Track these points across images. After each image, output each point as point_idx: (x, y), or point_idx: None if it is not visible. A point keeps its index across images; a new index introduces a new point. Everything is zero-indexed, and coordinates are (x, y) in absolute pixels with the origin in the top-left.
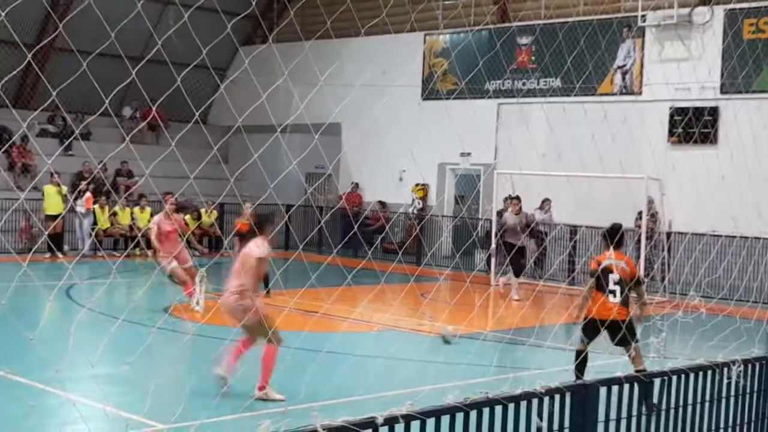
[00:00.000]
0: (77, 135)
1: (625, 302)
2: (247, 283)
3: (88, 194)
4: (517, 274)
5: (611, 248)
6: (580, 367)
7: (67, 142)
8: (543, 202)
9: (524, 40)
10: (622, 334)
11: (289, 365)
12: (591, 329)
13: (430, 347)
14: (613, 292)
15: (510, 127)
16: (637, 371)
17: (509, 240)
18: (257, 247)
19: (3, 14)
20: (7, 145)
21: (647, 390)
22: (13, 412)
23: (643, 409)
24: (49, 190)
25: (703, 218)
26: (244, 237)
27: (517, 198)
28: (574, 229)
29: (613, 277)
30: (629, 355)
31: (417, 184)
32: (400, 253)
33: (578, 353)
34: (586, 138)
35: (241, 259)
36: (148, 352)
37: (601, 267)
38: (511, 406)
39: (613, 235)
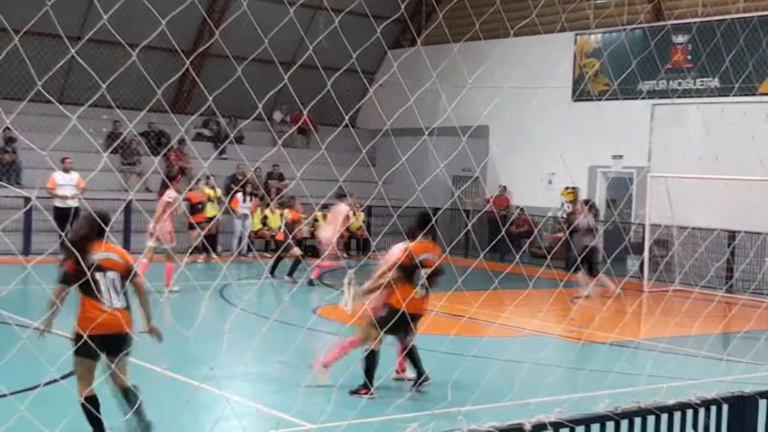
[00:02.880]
0: (231, 139)
1: (427, 293)
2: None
3: (237, 196)
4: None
5: (421, 238)
6: (371, 371)
7: (221, 146)
8: None
9: (679, 38)
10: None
11: (435, 369)
12: (398, 322)
13: (579, 354)
14: (423, 285)
15: (664, 128)
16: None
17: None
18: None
19: (164, 22)
20: (166, 150)
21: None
22: (169, 407)
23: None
24: (206, 192)
25: None
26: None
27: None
28: (732, 235)
29: (427, 271)
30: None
31: (566, 188)
32: (549, 257)
33: (372, 355)
34: (746, 140)
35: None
36: (299, 352)
37: (419, 260)
38: (664, 417)
39: (425, 225)
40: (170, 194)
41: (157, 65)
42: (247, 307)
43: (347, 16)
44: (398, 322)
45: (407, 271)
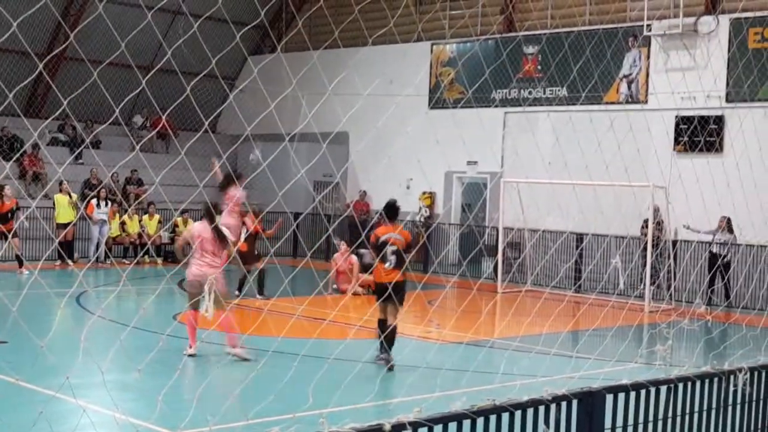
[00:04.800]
0: (87, 143)
1: (399, 266)
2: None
3: (92, 201)
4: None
5: (388, 222)
6: (386, 336)
7: (77, 151)
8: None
9: (530, 49)
10: (400, 292)
11: (296, 372)
12: (380, 292)
13: (437, 354)
14: (390, 261)
15: (516, 135)
16: (387, 326)
17: None
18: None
19: (15, 24)
20: (18, 154)
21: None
22: (22, 419)
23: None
24: (60, 198)
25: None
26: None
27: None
28: (580, 237)
29: (391, 248)
30: (390, 312)
31: (424, 193)
32: (408, 260)
33: (381, 322)
34: (592, 146)
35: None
36: (158, 359)
37: (381, 240)
38: (518, 414)
39: (389, 211)
40: None
41: (9, 68)
42: (104, 315)
43: (207, 22)
44: (382, 291)
45: (377, 249)
